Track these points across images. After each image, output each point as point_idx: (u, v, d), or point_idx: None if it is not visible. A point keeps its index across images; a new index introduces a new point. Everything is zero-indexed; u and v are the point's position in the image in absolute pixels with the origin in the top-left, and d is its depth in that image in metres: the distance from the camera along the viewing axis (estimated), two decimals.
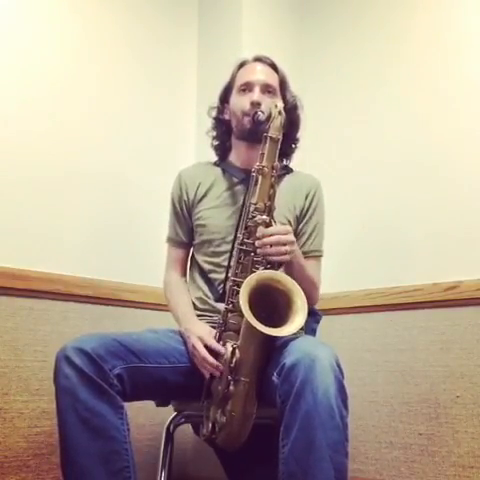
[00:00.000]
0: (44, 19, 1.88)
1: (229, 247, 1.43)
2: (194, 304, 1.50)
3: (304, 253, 1.47)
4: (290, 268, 1.35)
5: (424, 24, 2.04)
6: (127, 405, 1.23)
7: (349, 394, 1.15)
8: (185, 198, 1.56)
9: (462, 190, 1.85)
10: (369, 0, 2.23)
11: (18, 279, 1.67)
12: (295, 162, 1.63)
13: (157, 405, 1.49)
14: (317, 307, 1.54)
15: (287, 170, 1.58)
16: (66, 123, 1.89)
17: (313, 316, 1.51)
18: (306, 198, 1.53)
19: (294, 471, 1.09)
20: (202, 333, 1.34)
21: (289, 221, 1.48)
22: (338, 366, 1.15)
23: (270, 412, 1.23)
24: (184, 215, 1.57)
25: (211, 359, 1.28)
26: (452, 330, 1.76)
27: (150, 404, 1.49)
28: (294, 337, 1.27)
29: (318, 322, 1.55)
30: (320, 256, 1.54)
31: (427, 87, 1.99)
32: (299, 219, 1.52)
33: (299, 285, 1.26)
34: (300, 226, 1.52)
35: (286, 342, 1.24)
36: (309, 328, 1.49)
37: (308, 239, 1.51)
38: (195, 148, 2.25)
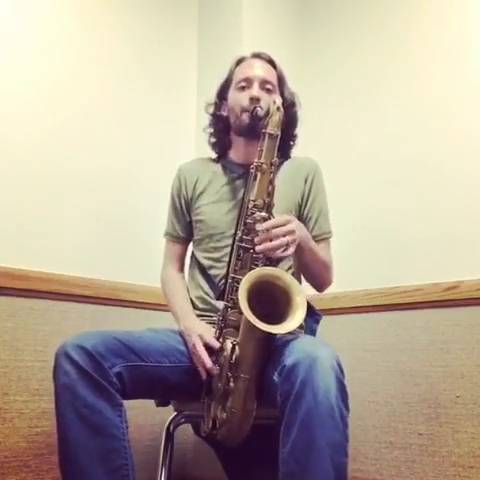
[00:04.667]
0: (45, 19, 1.88)
1: (229, 242, 1.41)
2: (194, 304, 1.50)
3: (314, 237, 1.46)
4: (301, 253, 1.34)
5: (424, 24, 2.04)
6: (127, 405, 1.23)
7: (349, 394, 1.14)
8: (184, 193, 1.56)
9: (462, 190, 1.85)
10: (369, 0, 2.23)
11: (18, 279, 1.67)
12: None
13: (157, 405, 1.49)
14: (317, 307, 1.54)
15: (285, 157, 1.57)
16: (66, 122, 1.89)
17: (313, 316, 1.50)
18: (306, 182, 1.52)
19: (294, 470, 1.08)
20: (202, 331, 1.34)
21: (291, 210, 1.47)
22: (339, 366, 1.14)
23: (270, 412, 1.23)
24: (182, 210, 1.57)
25: (207, 360, 1.28)
26: (452, 330, 1.76)
27: (150, 404, 1.49)
28: (295, 337, 1.27)
29: (318, 322, 1.55)
30: (329, 237, 1.54)
31: (427, 87, 1.99)
32: (301, 204, 1.51)
33: (312, 269, 1.25)
34: (305, 211, 1.51)
35: (287, 342, 1.23)
36: (309, 328, 1.49)
37: (315, 223, 1.51)
38: (195, 147, 2.24)
